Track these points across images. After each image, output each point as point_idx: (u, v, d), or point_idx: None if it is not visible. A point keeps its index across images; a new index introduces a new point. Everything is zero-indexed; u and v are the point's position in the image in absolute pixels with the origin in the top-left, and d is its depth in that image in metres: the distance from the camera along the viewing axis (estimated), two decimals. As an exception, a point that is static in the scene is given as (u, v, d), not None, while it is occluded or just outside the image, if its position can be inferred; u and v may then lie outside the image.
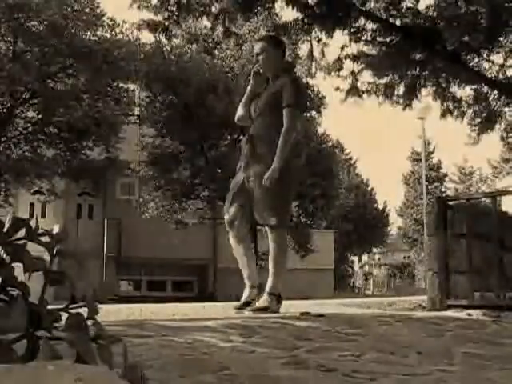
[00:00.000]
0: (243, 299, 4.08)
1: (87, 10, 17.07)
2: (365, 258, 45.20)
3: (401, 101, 9.13)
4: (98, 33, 17.43)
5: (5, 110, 16.70)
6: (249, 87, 4.33)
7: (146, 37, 20.82)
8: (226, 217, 4.25)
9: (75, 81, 16.91)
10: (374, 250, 43.97)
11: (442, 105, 9.40)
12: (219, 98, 19.65)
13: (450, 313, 4.30)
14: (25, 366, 0.85)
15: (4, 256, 1.02)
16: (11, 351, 0.94)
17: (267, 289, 4.03)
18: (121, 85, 18.13)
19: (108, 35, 17.49)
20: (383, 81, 9.00)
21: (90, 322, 1.03)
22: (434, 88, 9.06)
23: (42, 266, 1.05)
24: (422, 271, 34.73)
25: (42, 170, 16.21)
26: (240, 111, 4.31)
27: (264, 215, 4.04)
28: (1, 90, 15.48)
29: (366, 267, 43.75)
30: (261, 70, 4.27)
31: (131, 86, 19.55)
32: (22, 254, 1.03)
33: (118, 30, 17.60)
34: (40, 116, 17.15)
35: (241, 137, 21.99)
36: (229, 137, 21.94)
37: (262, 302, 3.98)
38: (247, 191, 4.12)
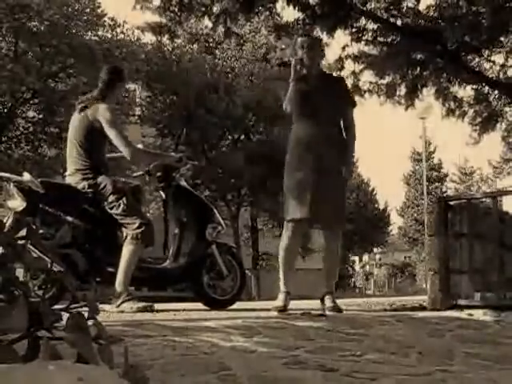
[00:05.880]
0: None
1: (88, 10, 17.07)
2: (365, 257, 45.24)
3: (402, 101, 9.13)
4: (99, 33, 17.44)
5: (6, 110, 16.71)
6: None
7: (147, 37, 20.80)
8: None
9: (76, 81, 16.90)
10: (375, 249, 43.97)
11: (444, 105, 9.40)
12: (220, 98, 19.67)
13: (450, 313, 4.30)
14: (26, 366, 0.85)
15: (5, 256, 1.02)
16: (12, 351, 0.94)
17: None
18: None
19: (109, 35, 17.50)
20: (385, 81, 9.00)
21: (90, 322, 1.03)
22: (436, 88, 9.06)
23: (43, 266, 1.05)
24: (422, 271, 34.74)
25: (43, 170, 16.20)
26: None
27: None
28: (2, 89, 15.49)
29: (367, 267, 43.80)
30: None
31: (132, 86, 19.55)
32: (23, 254, 1.03)
33: (118, 30, 17.61)
34: (41, 116, 17.16)
35: (242, 137, 22.06)
36: (229, 137, 21.95)
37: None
38: None
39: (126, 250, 4.12)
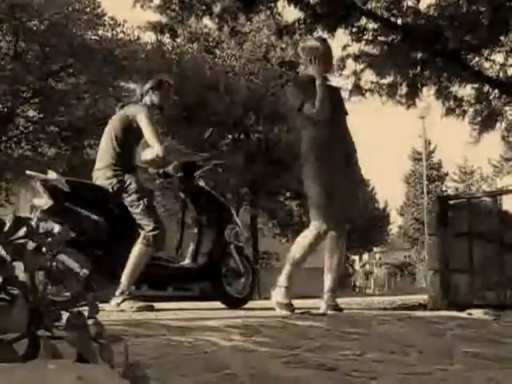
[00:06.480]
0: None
1: (88, 10, 17.06)
2: (365, 257, 45.20)
3: (403, 100, 9.14)
4: (99, 32, 17.43)
5: (6, 110, 16.70)
6: None
7: (147, 36, 20.77)
8: None
9: (76, 80, 16.90)
10: (375, 249, 43.96)
11: (444, 104, 9.40)
12: (220, 97, 19.65)
13: (450, 312, 4.30)
14: (26, 365, 0.85)
15: (5, 255, 1.02)
16: (12, 350, 0.94)
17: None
18: (122, 84, 18.12)
19: (109, 34, 17.49)
20: (386, 80, 9.01)
21: (90, 322, 1.03)
22: (436, 87, 9.06)
23: (43, 265, 1.05)
24: (422, 270, 34.73)
25: (43, 169, 16.18)
26: None
27: None
28: (2, 89, 15.47)
29: (367, 266, 43.76)
30: None
31: (132, 85, 19.54)
32: (23, 252, 1.03)
33: (118, 30, 17.60)
34: (41, 115, 17.15)
35: (242, 136, 22.05)
36: (229, 136, 21.94)
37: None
38: None
39: (137, 250, 4.17)
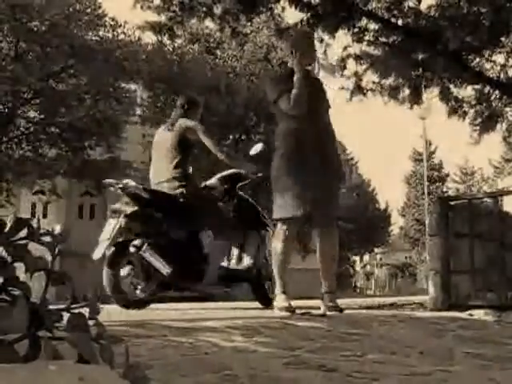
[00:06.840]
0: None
1: (89, 11, 17.07)
2: (366, 257, 45.18)
3: (406, 101, 9.15)
4: (100, 33, 17.43)
5: (6, 110, 16.70)
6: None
7: (148, 37, 20.77)
8: None
9: (77, 81, 16.90)
10: (376, 249, 43.92)
11: (447, 104, 9.39)
12: (221, 98, 19.65)
13: (451, 313, 4.29)
14: (27, 366, 0.85)
15: (6, 256, 1.02)
16: (13, 351, 0.94)
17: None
18: (123, 85, 18.13)
19: (110, 35, 17.49)
20: (388, 81, 9.01)
21: (91, 322, 1.03)
22: (439, 89, 9.06)
23: (43, 266, 1.05)
24: (423, 271, 34.73)
25: (44, 170, 16.18)
26: None
27: None
28: (3, 89, 15.48)
29: (368, 267, 43.74)
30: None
31: (133, 86, 19.54)
32: (23, 253, 1.03)
33: (119, 31, 17.60)
34: (42, 116, 17.15)
35: (243, 136, 22.04)
36: (230, 137, 21.94)
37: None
38: None
39: None
